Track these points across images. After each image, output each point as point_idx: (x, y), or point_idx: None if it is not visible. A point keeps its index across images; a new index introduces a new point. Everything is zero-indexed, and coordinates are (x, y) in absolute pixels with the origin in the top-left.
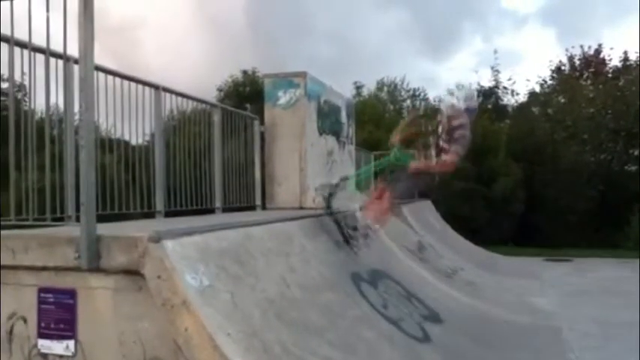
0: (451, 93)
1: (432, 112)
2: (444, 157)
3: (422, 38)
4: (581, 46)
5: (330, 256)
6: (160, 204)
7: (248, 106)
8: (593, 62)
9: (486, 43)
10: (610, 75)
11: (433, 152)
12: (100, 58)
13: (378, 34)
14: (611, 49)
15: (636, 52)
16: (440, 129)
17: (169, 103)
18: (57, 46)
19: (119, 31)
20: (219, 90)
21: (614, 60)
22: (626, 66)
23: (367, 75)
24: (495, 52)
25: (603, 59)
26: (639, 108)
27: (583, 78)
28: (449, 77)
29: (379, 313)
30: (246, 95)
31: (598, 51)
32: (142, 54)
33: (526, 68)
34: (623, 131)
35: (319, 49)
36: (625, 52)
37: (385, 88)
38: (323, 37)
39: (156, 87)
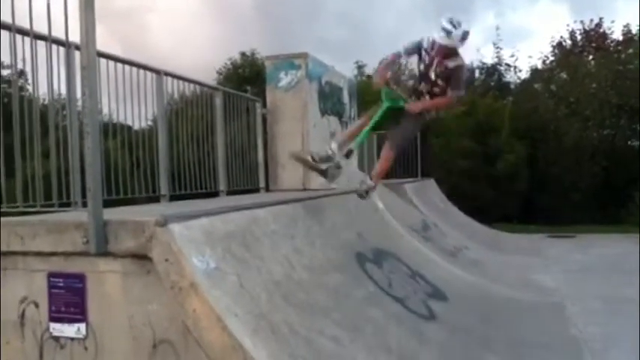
0: (447, 31)
1: (413, 49)
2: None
3: (436, 16)
4: (582, 22)
5: (334, 236)
6: (164, 188)
7: (248, 88)
8: (594, 36)
9: (499, 18)
10: (612, 49)
11: (427, 97)
12: (105, 42)
13: (391, 14)
14: (612, 22)
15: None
16: (433, 71)
17: (171, 86)
18: (59, 32)
19: (126, 16)
20: (219, 73)
21: (616, 33)
22: (629, 38)
23: (380, 56)
24: (497, 28)
25: (604, 33)
26: None
27: (584, 53)
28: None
29: (384, 292)
30: (246, 77)
31: (599, 25)
32: (149, 38)
33: (537, 44)
34: (626, 106)
35: (329, 31)
36: (627, 25)
37: None
38: (333, 19)
39: (157, 71)
